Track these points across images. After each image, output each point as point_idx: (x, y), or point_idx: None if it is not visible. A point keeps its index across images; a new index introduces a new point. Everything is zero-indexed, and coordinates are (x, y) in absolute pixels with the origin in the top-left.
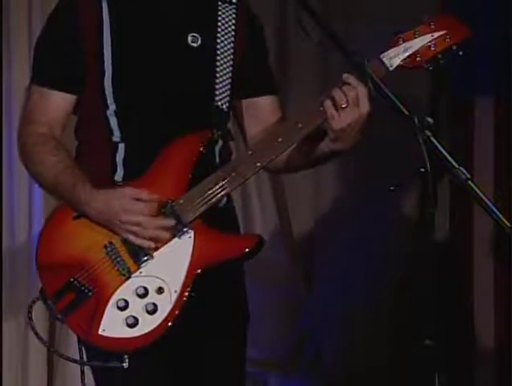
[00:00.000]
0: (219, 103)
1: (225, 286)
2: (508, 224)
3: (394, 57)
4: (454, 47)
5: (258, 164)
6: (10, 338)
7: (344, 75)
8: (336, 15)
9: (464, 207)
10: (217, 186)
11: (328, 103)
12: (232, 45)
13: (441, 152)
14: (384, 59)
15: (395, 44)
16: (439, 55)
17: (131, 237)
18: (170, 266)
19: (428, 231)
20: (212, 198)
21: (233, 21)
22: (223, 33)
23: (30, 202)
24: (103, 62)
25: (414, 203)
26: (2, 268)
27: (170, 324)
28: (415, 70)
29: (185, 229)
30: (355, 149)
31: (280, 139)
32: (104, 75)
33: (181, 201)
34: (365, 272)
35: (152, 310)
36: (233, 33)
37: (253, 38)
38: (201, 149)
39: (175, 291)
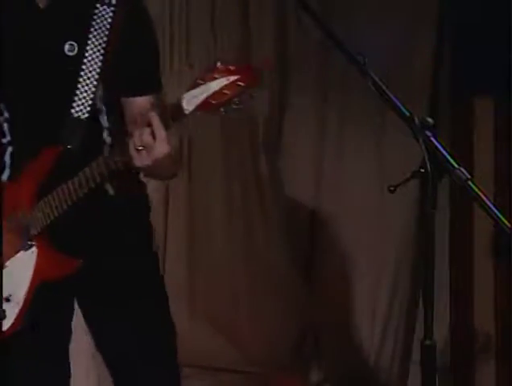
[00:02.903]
0: (77, 114)
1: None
2: (508, 224)
3: (192, 99)
4: (248, 92)
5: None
6: None
7: (150, 114)
8: (336, 15)
9: (464, 207)
10: (56, 203)
11: (131, 142)
12: (102, 52)
13: (441, 152)
14: (183, 102)
15: (195, 85)
16: (235, 100)
17: None
18: (16, 278)
19: (428, 231)
20: (52, 214)
21: (108, 26)
22: (94, 39)
23: None
24: None
25: (414, 203)
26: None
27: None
28: (213, 113)
29: (30, 243)
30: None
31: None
32: None
33: (29, 214)
34: (364, 271)
35: (2, 316)
36: (105, 38)
37: (133, 36)
38: (50, 167)
39: (18, 303)
